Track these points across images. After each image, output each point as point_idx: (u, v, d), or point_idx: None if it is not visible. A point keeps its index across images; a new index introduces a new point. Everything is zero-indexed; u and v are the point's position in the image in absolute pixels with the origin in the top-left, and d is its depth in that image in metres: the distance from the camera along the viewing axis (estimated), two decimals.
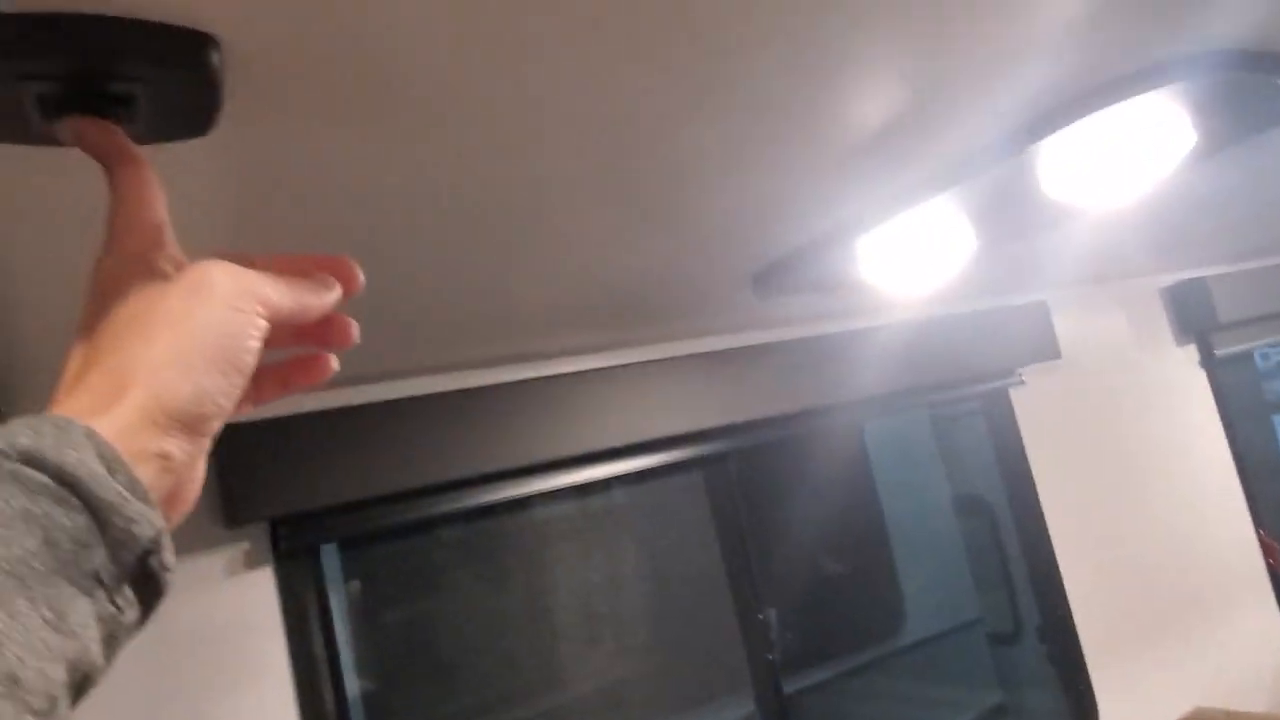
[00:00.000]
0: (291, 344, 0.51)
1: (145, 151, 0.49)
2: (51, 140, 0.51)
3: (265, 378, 0.50)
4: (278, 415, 1.47)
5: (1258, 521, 2.69)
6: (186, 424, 0.41)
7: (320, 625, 1.55)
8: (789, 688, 2.76)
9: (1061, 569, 2.33)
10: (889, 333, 1.99)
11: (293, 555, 1.53)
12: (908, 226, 1.29)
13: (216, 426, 0.43)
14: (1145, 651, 2.41)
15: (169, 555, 0.39)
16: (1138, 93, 0.93)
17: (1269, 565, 2.67)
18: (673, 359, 1.80)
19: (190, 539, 1.46)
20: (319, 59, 0.56)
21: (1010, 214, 1.32)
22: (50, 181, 0.62)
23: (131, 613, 0.38)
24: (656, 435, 1.73)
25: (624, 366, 1.75)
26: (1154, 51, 0.90)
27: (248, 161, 0.66)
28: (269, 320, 0.44)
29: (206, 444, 0.43)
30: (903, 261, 1.44)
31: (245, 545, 1.50)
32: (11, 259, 0.74)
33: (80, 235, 0.72)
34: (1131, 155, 1.12)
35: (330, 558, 1.89)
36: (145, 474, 0.39)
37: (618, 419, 1.70)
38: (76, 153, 0.50)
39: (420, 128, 0.69)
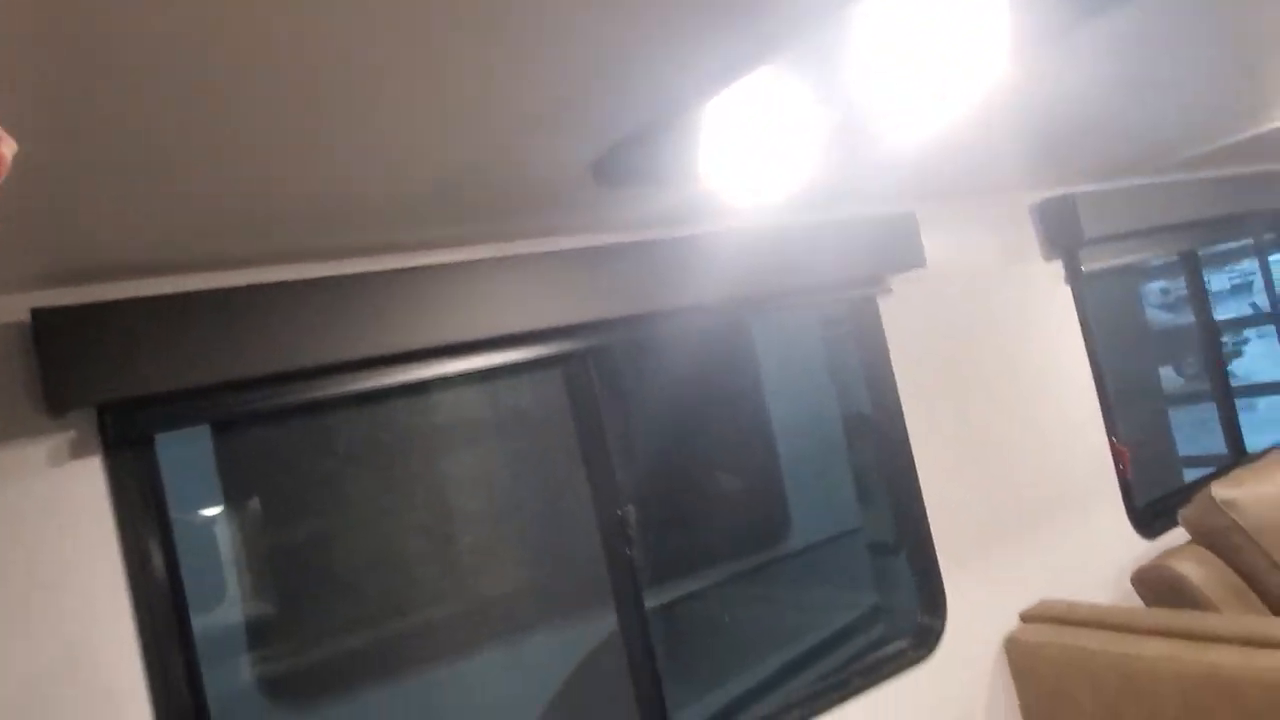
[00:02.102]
0: None
1: None
2: None
3: None
4: (106, 299, 1.41)
5: (1111, 430, 2.83)
6: None
7: (155, 516, 1.51)
8: (669, 595, 2.83)
9: (920, 474, 2.41)
10: (752, 236, 2.00)
11: (123, 444, 1.49)
12: (744, 113, 1.28)
13: None
14: (995, 551, 2.53)
15: None
16: None
17: (1118, 471, 2.82)
18: (528, 255, 1.78)
19: (7, 425, 1.40)
20: None
21: (843, 99, 1.31)
22: None
23: None
24: (510, 330, 1.71)
25: (477, 262, 1.72)
26: None
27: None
28: None
29: None
30: (745, 151, 1.44)
31: (71, 433, 1.45)
32: None
33: None
34: (952, 38, 1.12)
35: (204, 447, 1.86)
36: None
37: (469, 313, 1.67)
38: None
39: None
